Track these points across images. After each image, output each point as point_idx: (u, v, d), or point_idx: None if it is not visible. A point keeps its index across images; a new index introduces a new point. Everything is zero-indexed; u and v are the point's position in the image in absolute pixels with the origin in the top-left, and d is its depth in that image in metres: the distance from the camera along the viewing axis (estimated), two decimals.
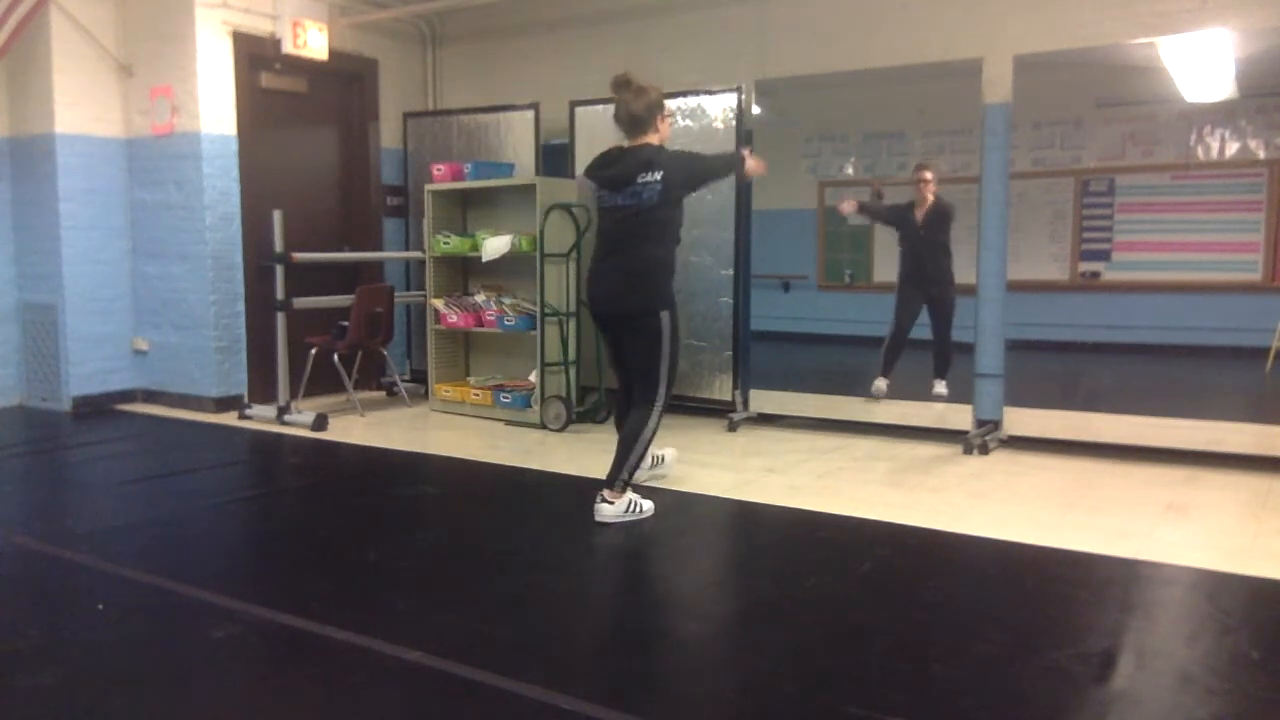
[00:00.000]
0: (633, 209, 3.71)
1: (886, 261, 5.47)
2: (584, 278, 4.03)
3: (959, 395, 5.11)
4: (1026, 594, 2.96)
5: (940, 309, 5.31)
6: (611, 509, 3.67)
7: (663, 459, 4.28)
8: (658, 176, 3.68)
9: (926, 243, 5.32)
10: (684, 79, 5.75)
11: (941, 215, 5.23)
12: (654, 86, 3.79)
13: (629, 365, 3.89)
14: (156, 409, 6.16)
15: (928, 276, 5.34)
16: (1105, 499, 3.97)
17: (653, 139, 3.78)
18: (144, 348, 6.32)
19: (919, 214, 5.28)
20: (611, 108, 3.84)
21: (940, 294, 5.30)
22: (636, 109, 3.73)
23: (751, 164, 4.19)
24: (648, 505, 3.77)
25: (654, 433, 3.77)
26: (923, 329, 5.31)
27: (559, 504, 4.13)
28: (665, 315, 3.73)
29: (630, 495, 3.73)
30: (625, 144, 3.82)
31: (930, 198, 5.24)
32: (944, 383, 5.27)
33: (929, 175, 5.20)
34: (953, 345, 5.25)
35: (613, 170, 3.76)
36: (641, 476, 4.18)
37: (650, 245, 3.75)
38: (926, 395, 5.25)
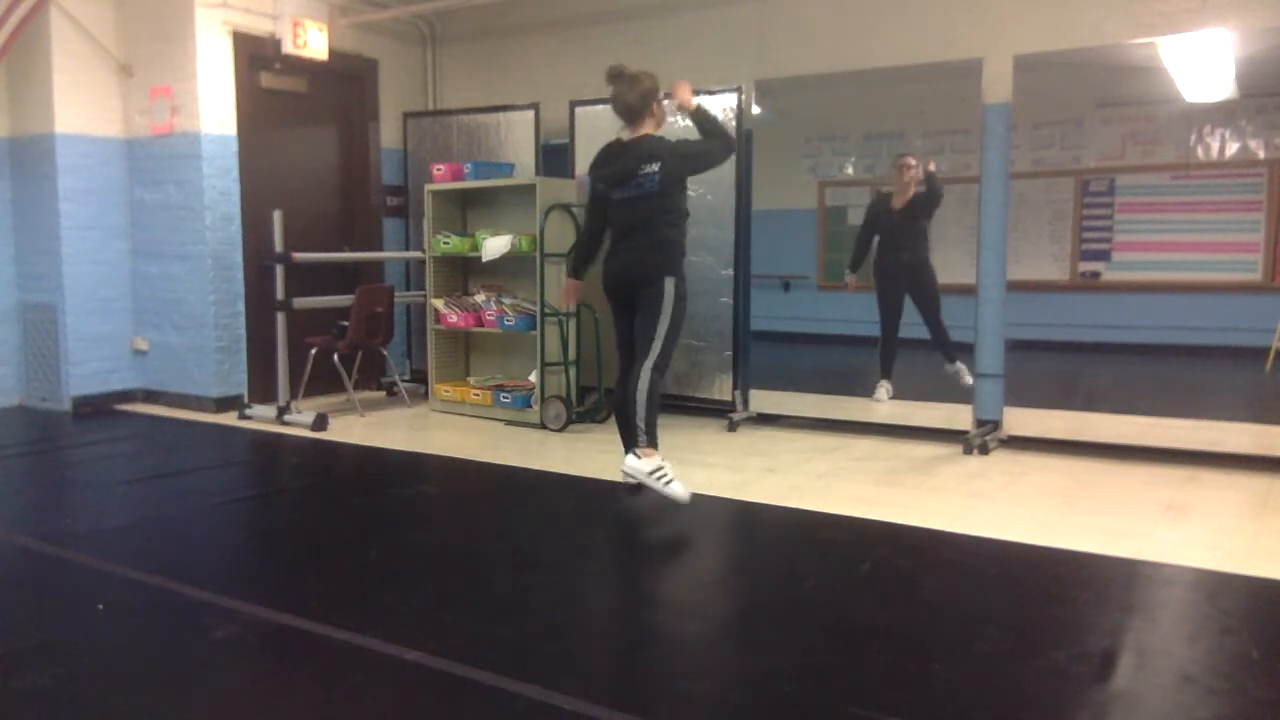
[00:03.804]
0: (639, 197, 3.88)
1: None
2: (601, 265, 4.11)
3: (958, 395, 5.10)
4: (1026, 594, 2.96)
5: (923, 296, 5.25)
6: (637, 462, 3.74)
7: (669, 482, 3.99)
8: (656, 168, 3.84)
9: (903, 228, 5.30)
10: (684, 79, 5.73)
11: (925, 202, 5.19)
12: (648, 74, 3.95)
13: (635, 337, 3.97)
14: (156, 409, 6.16)
15: (903, 263, 5.31)
16: (1105, 499, 3.97)
17: (649, 126, 3.94)
18: (144, 348, 6.32)
19: (898, 201, 5.28)
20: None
21: (918, 279, 5.25)
22: (631, 99, 3.90)
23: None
24: (680, 489, 3.73)
25: (651, 389, 3.79)
26: (918, 329, 5.29)
27: (559, 504, 4.13)
28: (670, 281, 3.85)
29: (661, 463, 3.77)
30: (625, 136, 3.97)
31: (911, 187, 5.23)
32: (960, 365, 5.11)
33: (912, 162, 5.19)
34: (945, 327, 5.17)
35: (615, 168, 3.93)
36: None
37: (663, 228, 3.89)
38: (926, 395, 5.24)
